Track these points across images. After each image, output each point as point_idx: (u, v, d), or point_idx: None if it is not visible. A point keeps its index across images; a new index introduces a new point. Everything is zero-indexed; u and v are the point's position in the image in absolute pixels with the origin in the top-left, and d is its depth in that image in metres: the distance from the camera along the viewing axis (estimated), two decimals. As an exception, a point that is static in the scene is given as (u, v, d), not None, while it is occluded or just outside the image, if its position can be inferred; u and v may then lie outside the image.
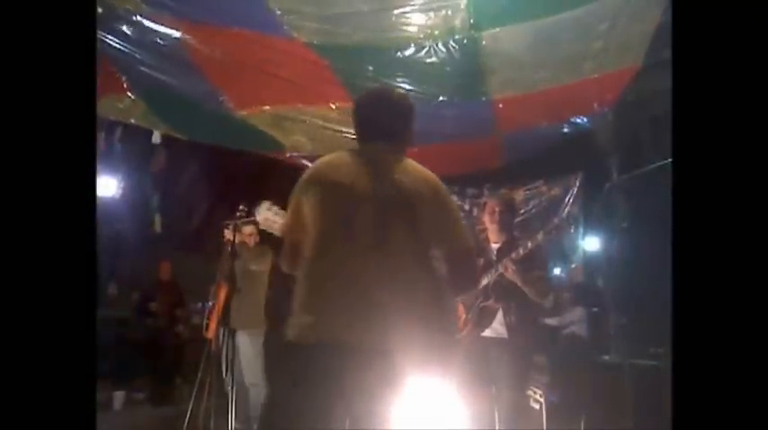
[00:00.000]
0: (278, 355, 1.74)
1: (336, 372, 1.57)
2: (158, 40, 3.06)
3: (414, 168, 1.79)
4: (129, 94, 3.66)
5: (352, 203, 1.69)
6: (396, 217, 1.68)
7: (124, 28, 2.96)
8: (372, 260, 1.64)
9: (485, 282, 3.08)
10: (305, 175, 1.81)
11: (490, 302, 3.07)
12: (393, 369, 1.56)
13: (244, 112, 3.88)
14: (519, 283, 2.96)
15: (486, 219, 3.25)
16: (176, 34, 3.03)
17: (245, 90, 3.67)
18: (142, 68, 3.26)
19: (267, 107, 3.86)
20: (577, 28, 2.84)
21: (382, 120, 1.86)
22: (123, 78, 3.49)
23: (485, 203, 3.37)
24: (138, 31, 2.99)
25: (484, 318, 3.09)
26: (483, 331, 3.09)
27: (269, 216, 2.27)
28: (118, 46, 3.06)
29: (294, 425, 1.58)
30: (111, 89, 3.53)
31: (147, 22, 2.93)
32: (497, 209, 3.20)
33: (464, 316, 3.17)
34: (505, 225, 3.22)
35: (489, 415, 2.97)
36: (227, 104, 3.76)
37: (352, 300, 1.61)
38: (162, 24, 2.96)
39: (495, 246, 3.23)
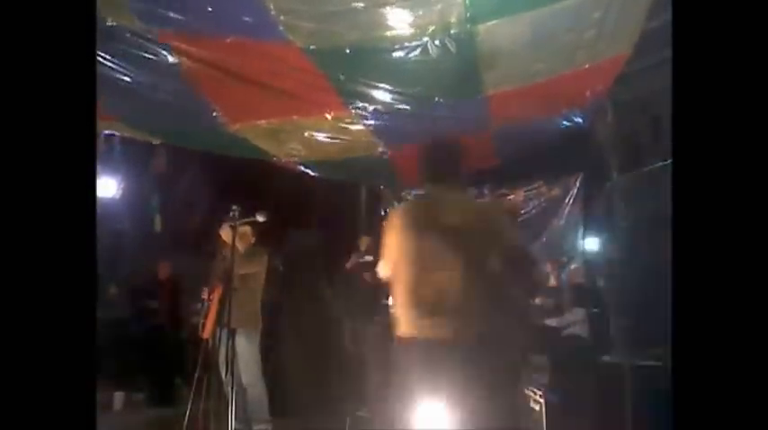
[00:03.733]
0: (398, 348, 2.28)
1: (437, 363, 2.12)
2: (152, 56, 3.03)
3: (471, 201, 2.50)
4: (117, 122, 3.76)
5: (420, 235, 2.26)
6: (450, 241, 2.20)
7: (117, 43, 2.92)
8: (438, 276, 2.18)
9: None
10: (393, 215, 2.51)
11: None
12: (480, 359, 2.12)
13: (237, 126, 3.88)
14: None
15: None
16: (169, 49, 3.01)
17: (239, 104, 3.65)
18: (135, 83, 3.23)
19: (262, 121, 3.86)
20: (572, 17, 2.83)
21: (439, 168, 2.43)
22: (109, 109, 3.51)
23: None
24: (131, 46, 2.95)
25: None
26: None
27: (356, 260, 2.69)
28: (110, 63, 3.04)
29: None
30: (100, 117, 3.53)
31: (140, 38, 2.90)
32: None
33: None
34: None
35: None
36: (221, 119, 3.75)
37: (444, 305, 2.16)
38: (156, 39, 2.92)
39: None
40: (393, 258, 2.35)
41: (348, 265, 5.30)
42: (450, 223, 2.25)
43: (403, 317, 2.26)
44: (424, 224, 2.30)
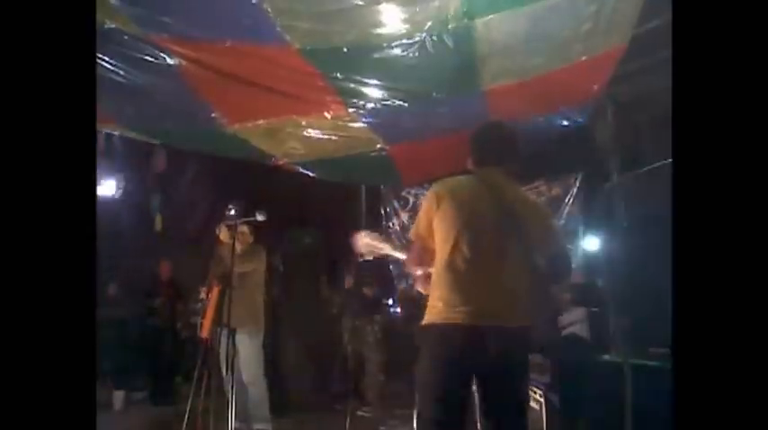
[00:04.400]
0: (435, 334, 2.13)
1: (480, 347, 2.04)
2: (148, 58, 3.02)
3: (519, 190, 2.36)
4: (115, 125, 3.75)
5: (478, 217, 2.14)
6: (508, 227, 2.13)
7: (115, 46, 2.91)
8: (495, 261, 2.10)
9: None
10: (432, 194, 2.23)
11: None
12: (520, 343, 2.12)
13: (236, 126, 3.87)
14: None
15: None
16: (167, 52, 2.99)
17: (238, 105, 3.64)
18: (133, 85, 3.22)
19: (260, 121, 3.86)
20: (569, 11, 2.83)
21: (496, 150, 2.33)
22: (108, 111, 3.50)
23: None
24: (129, 48, 2.94)
25: None
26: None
27: (368, 241, 2.53)
28: (108, 65, 3.03)
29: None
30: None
31: (138, 40, 2.88)
32: None
33: None
34: None
35: None
36: (220, 120, 3.74)
37: (489, 291, 2.09)
38: (152, 42, 2.91)
39: None
40: (435, 236, 2.18)
41: (347, 285, 5.35)
42: (506, 208, 2.16)
43: (442, 302, 2.10)
44: (484, 205, 2.16)
